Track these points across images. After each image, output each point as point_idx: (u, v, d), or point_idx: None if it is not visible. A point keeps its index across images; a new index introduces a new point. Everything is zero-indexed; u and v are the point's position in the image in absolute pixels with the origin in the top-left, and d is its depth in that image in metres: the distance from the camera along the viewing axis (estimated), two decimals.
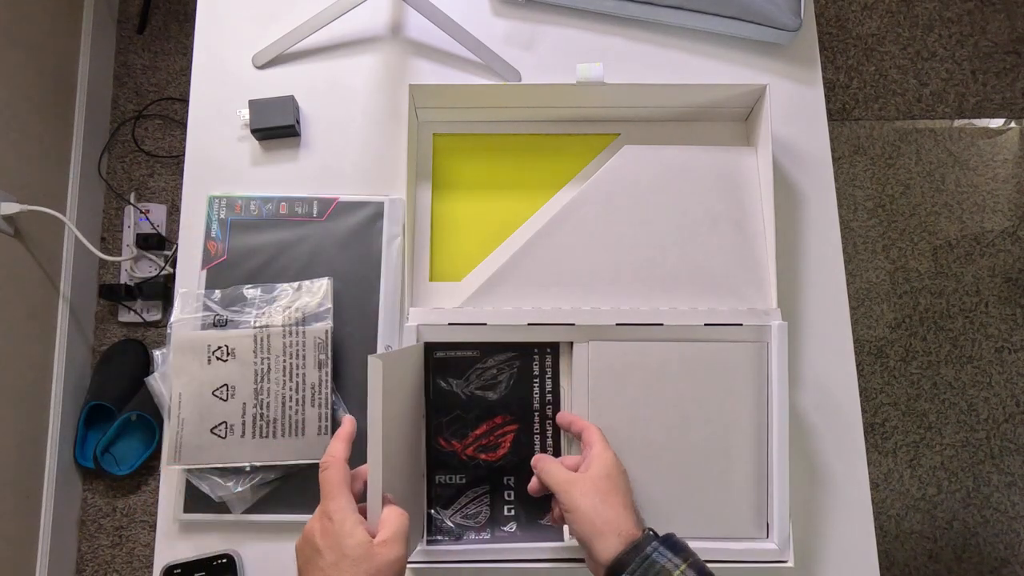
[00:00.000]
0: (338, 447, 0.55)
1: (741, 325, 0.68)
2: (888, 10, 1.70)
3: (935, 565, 1.48)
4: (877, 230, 1.60)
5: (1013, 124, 1.65)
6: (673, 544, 0.55)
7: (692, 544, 0.57)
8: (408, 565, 0.63)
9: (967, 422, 1.53)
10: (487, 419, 0.68)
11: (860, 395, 0.74)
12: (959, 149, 1.63)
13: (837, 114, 1.65)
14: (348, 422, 0.58)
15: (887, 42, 1.68)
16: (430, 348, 0.68)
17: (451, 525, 0.67)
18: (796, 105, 0.80)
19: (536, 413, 0.69)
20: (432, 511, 0.68)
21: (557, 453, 0.68)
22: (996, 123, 1.65)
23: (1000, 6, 1.70)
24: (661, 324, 0.67)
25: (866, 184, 1.62)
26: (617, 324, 0.68)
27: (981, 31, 1.69)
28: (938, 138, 1.64)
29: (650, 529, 0.56)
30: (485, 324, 0.68)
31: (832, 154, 0.79)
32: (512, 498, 0.68)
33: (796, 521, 0.70)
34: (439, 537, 0.67)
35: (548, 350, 0.69)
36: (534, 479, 0.63)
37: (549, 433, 0.69)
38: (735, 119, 0.79)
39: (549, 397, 0.69)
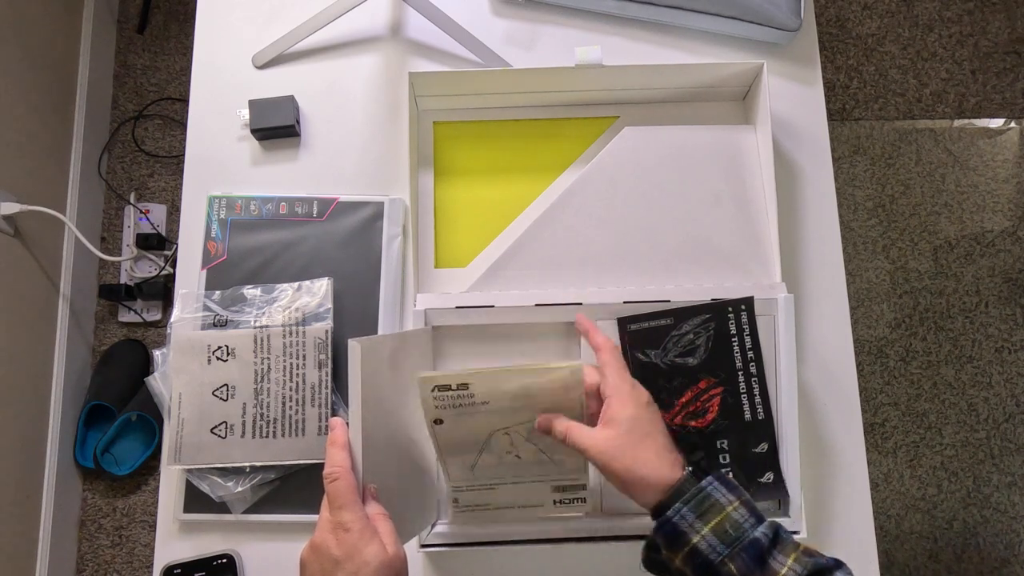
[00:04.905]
0: (341, 455, 0.54)
1: None
2: (888, 10, 1.70)
3: (935, 565, 1.48)
4: (877, 230, 1.60)
5: (1013, 124, 1.65)
6: (727, 481, 0.54)
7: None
8: (422, 548, 0.66)
9: (967, 422, 1.53)
10: (691, 385, 0.68)
11: (860, 395, 0.75)
12: (959, 149, 1.63)
13: (837, 114, 1.65)
14: (340, 428, 0.56)
15: (887, 42, 1.68)
16: (624, 322, 0.68)
17: None
18: (796, 105, 0.81)
19: (740, 372, 0.68)
20: None
21: (768, 411, 0.67)
22: (996, 123, 1.65)
23: (1000, 6, 1.70)
24: (668, 301, 0.68)
25: (866, 184, 1.62)
26: (624, 302, 0.68)
27: (981, 31, 1.69)
28: (938, 138, 1.64)
29: (688, 468, 0.55)
30: (493, 307, 0.68)
31: (832, 154, 0.80)
32: (728, 461, 0.68)
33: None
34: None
35: (742, 307, 0.68)
36: (541, 418, 0.60)
37: (756, 391, 0.68)
38: (733, 99, 0.79)
39: (750, 355, 0.68)
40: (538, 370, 0.58)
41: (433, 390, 0.59)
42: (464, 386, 0.59)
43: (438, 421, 0.60)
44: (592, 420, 0.59)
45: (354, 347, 0.54)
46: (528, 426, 0.61)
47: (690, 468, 0.55)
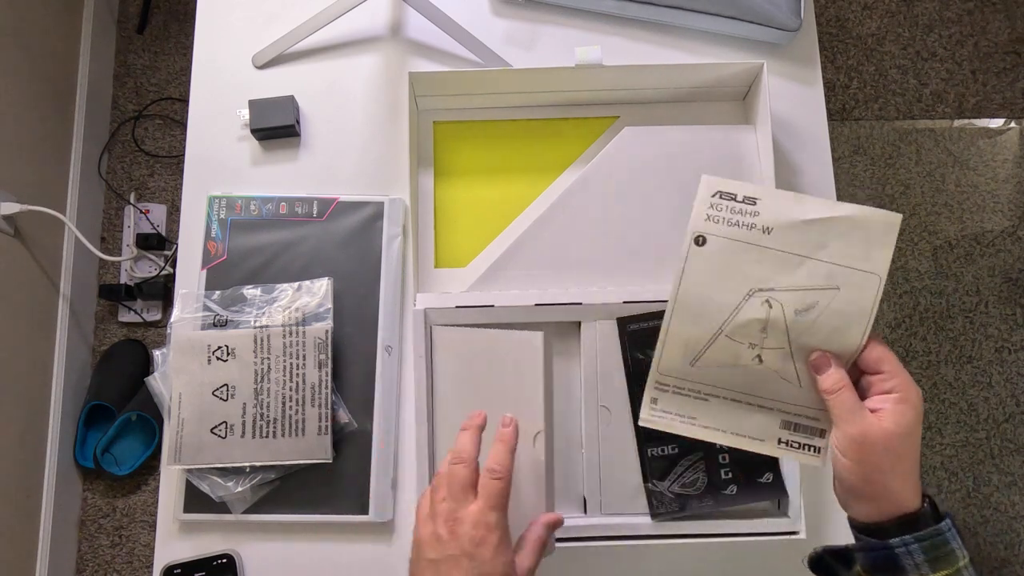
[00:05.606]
0: (509, 459, 0.54)
1: None
2: (888, 10, 1.70)
3: None
4: None
5: (1013, 124, 1.65)
6: (959, 529, 0.48)
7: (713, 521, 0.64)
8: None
9: (967, 422, 1.53)
10: None
11: None
12: (959, 149, 1.63)
13: (837, 114, 1.65)
14: (515, 430, 0.56)
15: (887, 42, 1.68)
16: (623, 322, 0.67)
17: (671, 495, 0.67)
18: (796, 105, 0.81)
19: None
20: (649, 484, 0.67)
21: None
22: (996, 123, 1.65)
23: (1000, 6, 1.70)
24: (667, 301, 0.68)
25: (866, 184, 1.62)
26: (624, 303, 0.68)
27: (981, 31, 1.69)
28: (938, 138, 1.64)
29: (927, 497, 0.48)
30: (492, 306, 0.68)
31: (832, 154, 0.80)
32: (727, 461, 0.68)
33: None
34: (661, 510, 0.67)
35: None
36: (819, 355, 0.50)
37: None
38: (733, 99, 0.79)
39: None
40: (845, 210, 0.50)
41: (715, 195, 0.52)
42: (752, 200, 0.51)
43: (700, 240, 0.52)
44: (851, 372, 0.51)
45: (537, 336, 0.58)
46: (801, 296, 0.50)
47: (927, 499, 0.48)
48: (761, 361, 0.52)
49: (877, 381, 0.49)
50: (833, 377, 0.50)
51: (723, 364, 0.53)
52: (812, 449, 0.53)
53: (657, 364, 0.54)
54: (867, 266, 0.50)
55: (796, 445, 0.53)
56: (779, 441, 0.53)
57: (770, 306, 0.51)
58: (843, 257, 0.50)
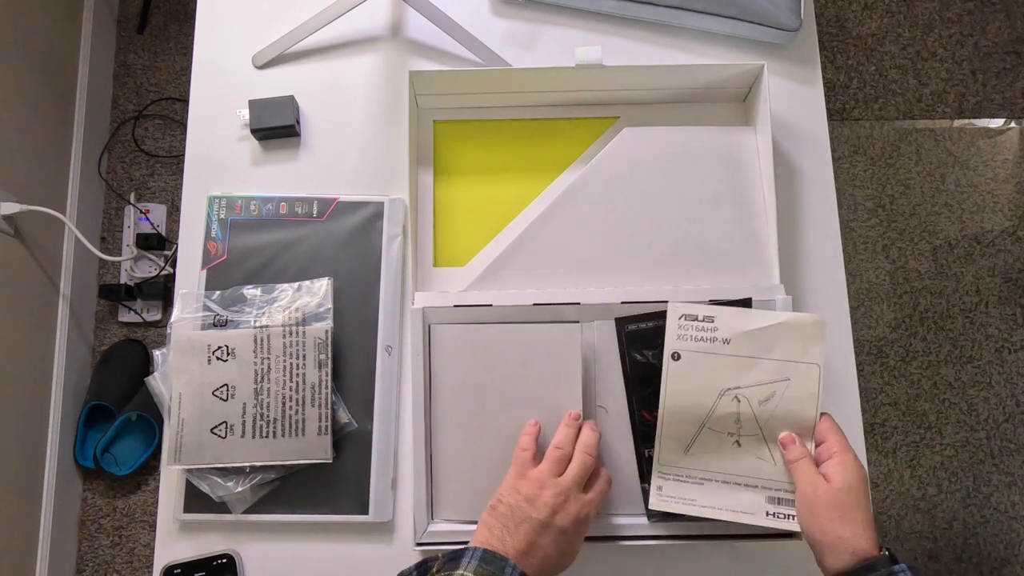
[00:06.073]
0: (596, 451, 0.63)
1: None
2: (888, 10, 1.70)
3: (935, 565, 1.48)
4: (877, 230, 1.60)
5: (1013, 124, 1.65)
6: (917, 572, 0.54)
7: (710, 522, 0.65)
8: (418, 547, 0.67)
9: (967, 422, 1.53)
10: None
11: (860, 395, 0.75)
12: (959, 149, 1.63)
13: (837, 114, 1.65)
14: (595, 431, 0.64)
15: (887, 42, 1.68)
16: (622, 322, 0.68)
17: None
18: (796, 105, 0.81)
19: None
20: (646, 484, 0.67)
21: None
22: (996, 123, 1.65)
23: (1000, 6, 1.70)
24: (666, 302, 0.68)
25: (866, 184, 1.62)
26: (622, 303, 0.68)
27: (981, 31, 1.69)
28: (938, 138, 1.64)
29: (886, 549, 0.56)
30: (490, 306, 0.68)
31: (832, 154, 0.80)
32: None
33: None
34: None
35: None
36: (787, 435, 0.63)
37: None
38: (734, 100, 0.79)
39: None
40: (781, 317, 0.63)
41: (680, 318, 0.64)
42: (710, 319, 0.64)
43: (675, 356, 0.64)
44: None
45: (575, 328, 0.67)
46: (761, 390, 0.63)
47: (887, 551, 0.55)
48: (740, 446, 0.64)
49: (823, 450, 0.61)
50: (795, 451, 0.61)
51: (710, 452, 0.64)
52: (792, 517, 0.62)
53: (658, 457, 0.65)
54: (807, 358, 0.63)
55: (781, 515, 0.63)
56: (767, 513, 0.63)
57: (739, 401, 0.63)
58: (787, 354, 0.63)
